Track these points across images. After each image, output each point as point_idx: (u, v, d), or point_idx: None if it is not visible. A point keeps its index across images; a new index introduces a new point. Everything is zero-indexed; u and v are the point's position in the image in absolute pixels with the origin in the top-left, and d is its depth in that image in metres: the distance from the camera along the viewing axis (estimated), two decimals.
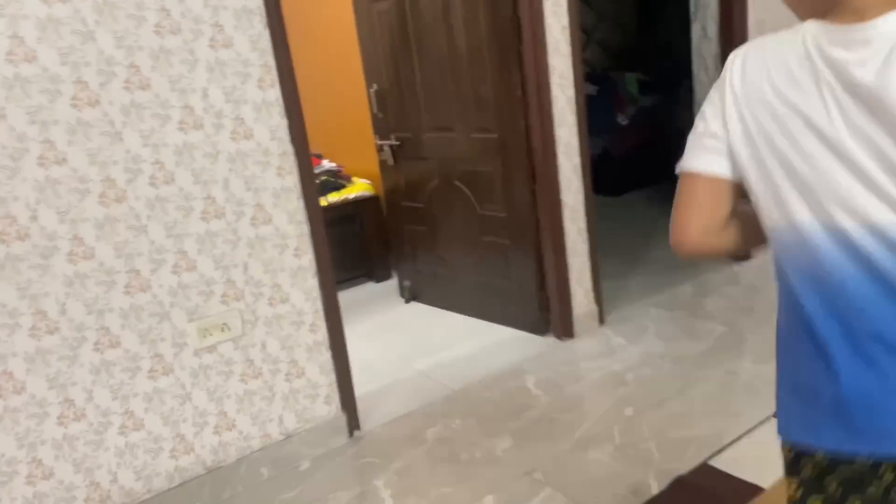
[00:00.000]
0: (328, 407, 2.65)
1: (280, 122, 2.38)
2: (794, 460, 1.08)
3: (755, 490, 2.08)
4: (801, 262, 0.97)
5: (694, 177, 1.06)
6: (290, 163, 2.42)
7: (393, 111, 3.62)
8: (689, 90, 5.85)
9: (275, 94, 2.35)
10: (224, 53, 2.24)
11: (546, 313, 3.27)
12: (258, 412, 2.49)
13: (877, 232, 0.89)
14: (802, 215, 0.95)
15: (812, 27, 0.92)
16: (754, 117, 0.96)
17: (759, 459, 2.21)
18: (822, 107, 0.90)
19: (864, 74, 0.86)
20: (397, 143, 3.64)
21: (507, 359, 3.14)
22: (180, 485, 2.35)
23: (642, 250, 4.30)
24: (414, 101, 3.49)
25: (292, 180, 2.44)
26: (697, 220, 1.08)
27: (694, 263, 3.96)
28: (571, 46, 3.02)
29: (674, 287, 3.67)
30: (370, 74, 3.68)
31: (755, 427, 2.39)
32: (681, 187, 1.09)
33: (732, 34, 3.65)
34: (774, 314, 1.92)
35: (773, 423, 2.33)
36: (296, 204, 2.46)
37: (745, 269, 3.82)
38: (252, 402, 2.47)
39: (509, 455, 2.46)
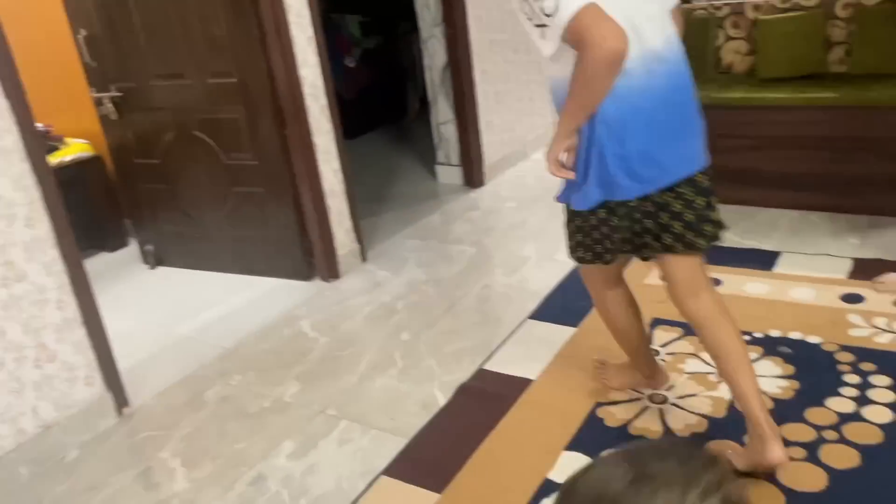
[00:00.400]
0: (90, 388, 2.41)
1: None
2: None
3: (526, 382, 2.35)
4: None
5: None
6: (7, 120, 2.10)
7: (110, 59, 3.26)
8: (408, 31, 6.07)
9: None
10: None
11: (310, 258, 3.28)
12: (6, 407, 2.18)
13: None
14: None
15: None
16: None
17: (524, 356, 2.50)
18: None
19: None
20: (119, 94, 3.30)
21: (277, 308, 3.10)
22: None
23: (386, 188, 4.46)
24: (135, 46, 3.18)
25: (11, 140, 2.12)
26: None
27: (434, 194, 4.22)
28: None
29: (423, 218, 3.88)
30: (76, 17, 3.25)
31: (515, 329, 2.68)
32: (589, 15, 1.43)
33: None
34: (512, 233, 2.38)
35: (529, 324, 2.66)
36: (19, 167, 2.14)
37: (480, 195, 4.17)
38: None
39: (299, 399, 2.47)
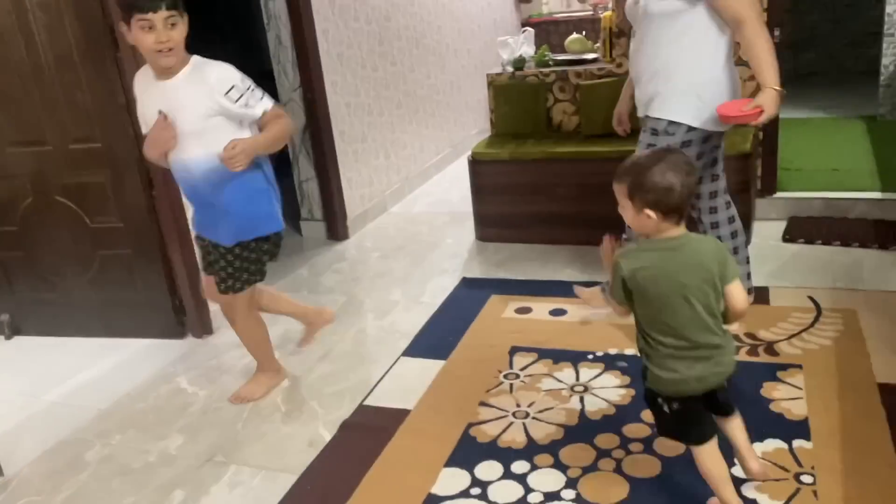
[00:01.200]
0: None
1: None
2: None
3: (404, 413, 2.57)
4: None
5: None
6: None
7: None
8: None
9: None
10: None
11: (181, 315, 3.32)
12: None
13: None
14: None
15: None
16: None
17: (401, 390, 2.72)
18: None
19: None
20: None
21: (151, 368, 3.12)
22: None
23: None
24: None
25: None
26: None
27: (300, 249, 4.38)
28: None
29: (292, 272, 4.03)
30: None
31: (391, 366, 2.90)
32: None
33: (304, 39, 4.11)
34: (379, 281, 2.95)
35: (403, 361, 2.93)
36: None
37: (346, 247, 4.38)
38: None
39: (184, 450, 2.53)
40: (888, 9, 5.08)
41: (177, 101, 2.30)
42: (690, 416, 1.83)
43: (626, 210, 1.77)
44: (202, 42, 2.55)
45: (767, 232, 3.81)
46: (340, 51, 4.41)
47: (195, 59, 2.34)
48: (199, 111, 2.30)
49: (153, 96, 2.35)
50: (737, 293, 1.76)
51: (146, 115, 2.40)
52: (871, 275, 3.23)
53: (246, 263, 2.56)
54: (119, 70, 2.94)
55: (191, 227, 2.67)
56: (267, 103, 2.40)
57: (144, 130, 2.44)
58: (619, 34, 3.98)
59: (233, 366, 3.09)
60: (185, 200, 2.81)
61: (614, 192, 1.80)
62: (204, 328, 3.34)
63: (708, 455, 1.83)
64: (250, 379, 2.88)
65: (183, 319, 3.34)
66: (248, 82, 2.36)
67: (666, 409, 1.83)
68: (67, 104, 3.05)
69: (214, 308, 3.37)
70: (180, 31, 2.26)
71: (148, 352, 3.27)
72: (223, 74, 2.31)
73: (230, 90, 2.28)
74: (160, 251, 3.21)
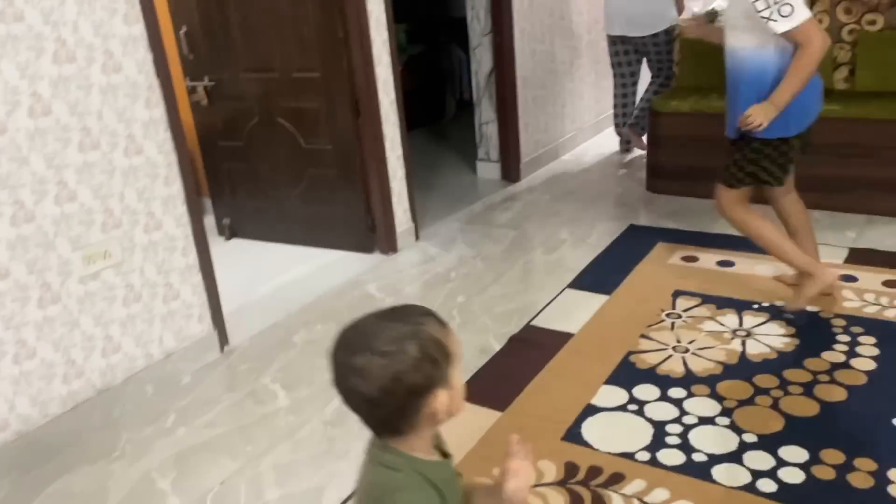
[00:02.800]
0: (201, 325, 2.86)
1: (146, 56, 2.51)
2: None
3: (568, 336, 2.80)
4: None
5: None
6: (157, 95, 2.57)
7: (206, 52, 3.73)
8: (447, 40, 6.57)
9: (139, 29, 2.47)
10: None
11: (372, 233, 3.73)
12: (140, 334, 2.64)
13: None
14: None
15: None
16: None
17: (566, 316, 2.94)
18: None
19: None
20: (212, 83, 3.78)
21: (344, 274, 3.56)
22: (73, 408, 2.45)
23: (431, 180, 4.92)
24: (229, 43, 3.65)
25: (159, 112, 2.58)
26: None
27: (475, 187, 4.68)
28: None
29: (467, 206, 4.34)
30: (178, 16, 3.74)
31: (557, 295, 3.12)
32: (813, 24, 2.38)
33: None
34: (549, 220, 3.09)
35: (568, 292, 3.11)
36: (163, 135, 2.61)
37: (518, 188, 4.62)
38: (134, 325, 2.61)
39: None
40: None
41: None
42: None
43: None
44: None
45: None
46: None
47: None
48: (739, 9, 2.48)
49: None
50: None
51: None
52: None
53: (743, 162, 2.66)
54: (340, 6, 3.31)
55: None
56: (796, 19, 2.34)
57: None
58: None
59: (415, 279, 3.45)
60: None
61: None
62: (391, 246, 3.73)
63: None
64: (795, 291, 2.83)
65: (373, 236, 3.75)
66: None
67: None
68: (295, 37, 3.48)
69: (400, 229, 3.75)
70: None
71: (342, 261, 3.72)
72: None
73: (755, 1, 2.36)
74: (361, 174, 3.61)
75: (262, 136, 3.79)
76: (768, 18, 2.36)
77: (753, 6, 2.37)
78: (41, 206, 2.27)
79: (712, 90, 4.18)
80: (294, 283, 3.52)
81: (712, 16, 4.37)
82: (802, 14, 2.35)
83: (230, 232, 4.14)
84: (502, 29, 4.40)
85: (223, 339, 2.95)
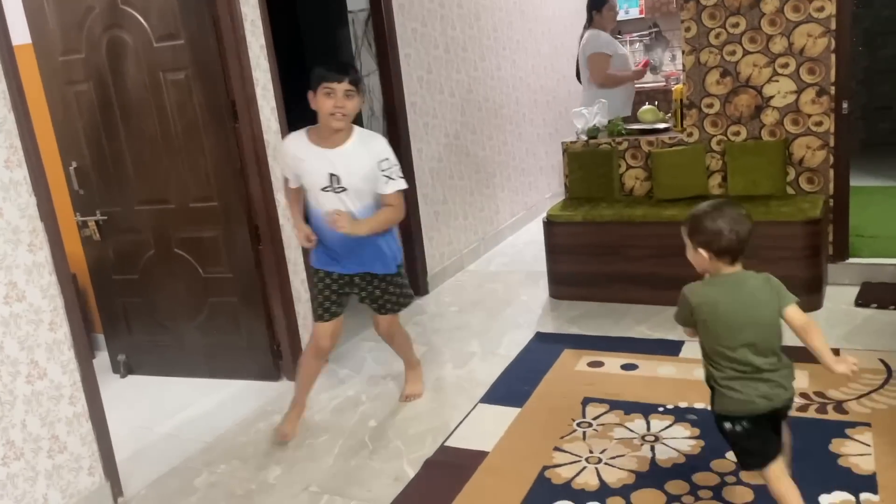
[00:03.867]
0: (91, 478, 2.66)
1: (29, 201, 2.43)
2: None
3: (483, 455, 2.76)
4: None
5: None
6: (41, 238, 2.47)
7: (97, 187, 3.66)
8: None
9: (22, 173, 2.40)
10: None
11: (278, 360, 3.63)
12: (22, 495, 2.41)
13: None
14: None
15: None
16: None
17: (479, 433, 2.92)
18: None
19: None
20: (103, 217, 3.68)
21: (250, 406, 3.42)
22: None
23: None
24: (121, 176, 3.60)
25: (44, 255, 2.48)
26: None
27: None
28: (279, 123, 3.51)
29: None
30: (67, 152, 3.67)
31: (470, 412, 3.10)
32: (401, 197, 2.91)
33: (395, 110, 4.50)
34: (457, 333, 3.25)
35: (480, 407, 3.11)
36: (48, 279, 2.50)
37: (426, 301, 4.65)
38: (15, 486, 2.39)
39: (282, 480, 2.78)
40: None
41: (348, 165, 2.76)
42: (760, 433, 2.01)
43: (687, 248, 2.11)
44: (299, 116, 2.98)
45: (840, 296, 3.87)
46: (426, 120, 4.78)
47: (358, 130, 2.85)
48: (364, 173, 2.77)
49: (321, 161, 2.76)
50: (793, 314, 2.02)
51: (303, 170, 2.83)
52: None
53: (403, 288, 3.10)
54: (237, 138, 3.35)
55: (330, 268, 2.97)
56: (398, 185, 2.84)
57: (291, 178, 2.94)
58: (690, 105, 4.20)
59: (325, 405, 3.35)
60: (325, 254, 2.97)
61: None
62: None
63: (777, 476, 2.02)
64: (407, 380, 3.38)
65: (279, 363, 3.64)
66: (395, 160, 2.85)
67: (737, 428, 2.02)
68: (191, 168, 3.47)
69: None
70: (355, 103, 2.74)
71: (247, 392, 3.58)
72: (384, 146, 2.84)
73: (383, 160, 2.79)
74: (263, 300, 3.55)
75: (159, 268, 3.69)
76: (388, 177, 2.80)
77: (379, 165, 2.78)
78: None
79: (601, 200, 4.43)
80: (195, 420, 3.35)
81: (594, 132, 4.70)
82: (404, 183, 2.88)
83: (126, 369, 3.93)
84: (400, 151, 4.53)
85: (116, 491, 2.74)
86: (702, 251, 2.06)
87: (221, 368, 3.72)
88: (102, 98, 3.51)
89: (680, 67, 5.44)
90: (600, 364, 3.42)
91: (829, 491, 2.29)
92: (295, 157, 2.84)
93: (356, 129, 2.84)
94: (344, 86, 2.69)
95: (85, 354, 2.62)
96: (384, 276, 3.03)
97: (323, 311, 3.02)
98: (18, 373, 2.40)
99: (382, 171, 2.79)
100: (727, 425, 2.05)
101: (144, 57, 3.38)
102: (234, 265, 3.55)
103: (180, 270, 3.65)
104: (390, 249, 3.01)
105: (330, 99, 2.68)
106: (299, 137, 2.83)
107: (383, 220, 2.87)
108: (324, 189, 2.79)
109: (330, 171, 2.76)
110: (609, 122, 4.63)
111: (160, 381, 3.83)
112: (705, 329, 2.05)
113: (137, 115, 3.49)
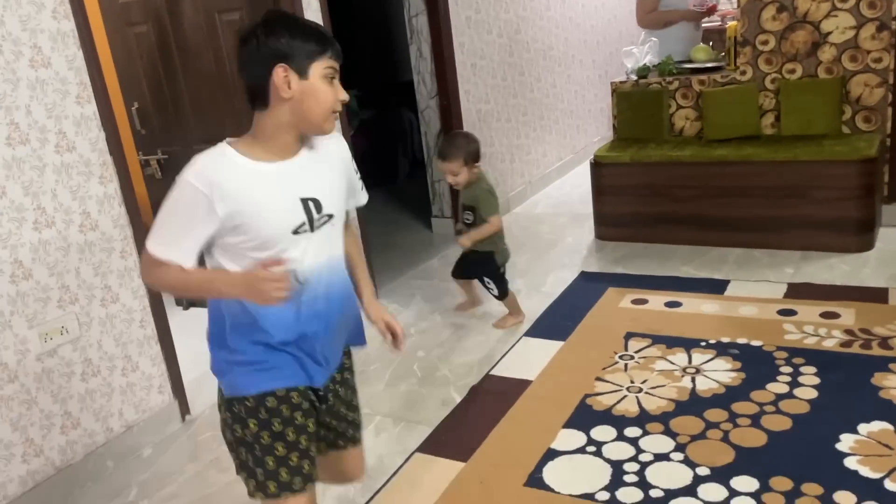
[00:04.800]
0: (161, 396, 2.86)
1: (99, 135, 2.57)
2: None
3: (526, 383, 2.87)
4: None
5: None
6: (111, 172, 2.62)
7: (158, 127, 3.81)
8: (397, 104, 6.77)
9: (91, 109, 2.54)
10: (43, 73, 2.39)
11: None
12: (99, 409, 2.63)
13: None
14: None
15: None
16: None
17: (523, 364, 3.02)
18: None
19: None
20: (165, 156, 3.84)
21: None
22: (33, 487, 2.41)
23: (388, 238, 5.01)
24: (181, 117, 3.74)
25: (113, 188, 2.63)
26: None
27: (431, 242, 4.78)
28: None
29: (423, 262, 4.43)
30: (129, 94, 3.82)
31: (514, 344, 3.21)
32: None
33: (443, 51, 4.51)
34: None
35: (524, 340, 3.18)
36: (118, 210, 2.66)
37: None
38: (93, 400, 2.60)
39: None
40: None
41: (318, 184, 1.58)
42: None
43: None
44: (347, 59, 2.99)
45: (892, 237, 3.81)
46: (474, 61, 4.79)
47: None
48: (342, 192, 1.69)
49: (282, 185, 1.53)
50: None
51: (255, 213, 1.49)
52: None
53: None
54: None
55: (302, 381, 1.62)
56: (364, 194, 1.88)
57: (252, 238, 1.51)
58: (744, 43, 4.10)
59: (374, 338, 3.48)
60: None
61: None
62: None
63: None
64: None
65: None
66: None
67: None
68: (246, 109, 3.57)
69: None
70: None
71: None
72: (343, 144, 1.74)
73: (351, 160, 1.78)
74: None
75: None
76: (360, 182, 1.83)
77: (353, 166, 1.79)
78: None
79: (649, 140, 4.41)
80: None
81: (644, 72, 4.63)
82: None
83: (188, 302, 4.14)
84: (448, 91, 4.58)
85: (184, 409, 2.94)
86: None
87: None
88: (161, 39, 3.63)
89: (735, 6, 5.28)
90: (644, 301, 3.47)
91: (868, 420, 2.33)
92: (237, 193, 1.48)
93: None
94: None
95: None
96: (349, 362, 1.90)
97: (293, 473, 1.59)
98: (93, 297, 2.58)
99: (357, 173, 1.82)
100: None
101: None
102: None
103: None
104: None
105: (333, 86, 1.54)
106: (226, 159, 1.57)
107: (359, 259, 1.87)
108: (297, 230, 1.54)
109: (302, 196, 1.55)
110: (660, 61, 4.56)
111: None
112: None
113: (194, 56, 3.60)
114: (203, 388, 3.17)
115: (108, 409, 2.65)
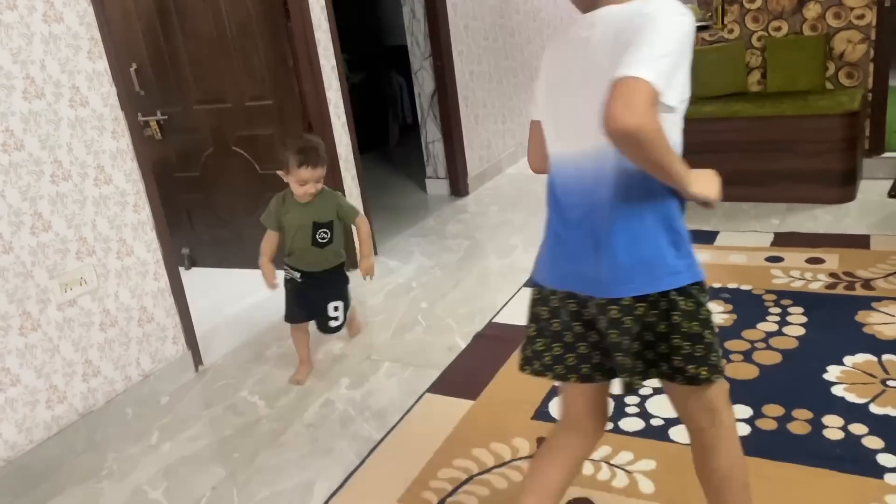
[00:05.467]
0: (175, 346, 2.95)
1: (110, 90, 2.62)
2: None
3: None
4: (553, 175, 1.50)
5: (531, 123, 1.57)
6: (123, 127, 2.68)
7: (157, 88, 3.84)
8: (387, 68, 6.79)
9: (103, 64, 2.59)
10: (56, 28, 2.43)
11: None
12: (118, 357, 2.71)
13: (588, 153, 1.37)
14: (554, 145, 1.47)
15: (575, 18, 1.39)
16: (546, 79, 1.47)
17: (524, 312, 3.13)
18: (570, 68, 1.38)
19: (592, 44, 1.33)
20: (164, 117, 3.88)
21: None
22: (58, 433, 2.50)
23: (384, 200, 5.08)
24: (179, 77, 3.77)
25: (125, 143, 2.69)
26: (534, 151, 1.58)
27: (426, 203, 4.87)
28: (329, 23, 3.63)
29: (420, 221, 4.52)
30: (127, 54, 3.83)
31: (515, 294, 3.32)
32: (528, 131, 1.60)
33: (436, 12, 4.56)
34: (499, 229, 3.19)
35: (525, 291, 3.32)
36: (130, 164, 2.72)
37: (467, 202, 4.83)
38: (112, 349, 2.69)
39: (346, 351, 3.05)
40: None
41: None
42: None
43: None
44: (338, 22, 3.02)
45: (873, 189, 3.96)
46: (467, 22, 4.84)
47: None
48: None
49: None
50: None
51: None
52: None
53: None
54: (289, 37, 3.48)
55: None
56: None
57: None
58: (731, 2, 4.19)
59: (378, 291, 3.60)
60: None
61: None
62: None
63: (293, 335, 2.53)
64: None
65: None
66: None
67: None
68: (245, 68, 3.63)
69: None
70: (323, 174, 2.77)
71: None
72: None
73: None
74: None
75: (218, 165, 3.90)
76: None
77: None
78: (18, 238, 2.35)
79: None
80: (261, 304, 3.62)
81: None
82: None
83: (190, 262, 4.21)
84: (441, 53, 4.63)
85: (197, 359, 3.03)
86: None
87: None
88: (159, 0, 3.65)
89: None
90: None
91: (853, 353, 2.48)
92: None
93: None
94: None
95: (165, 235, 2.87)
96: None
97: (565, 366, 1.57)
98: (110, 249, 2.66)
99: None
100: None
101: None
102: None
103: (238, 167, 3.86)
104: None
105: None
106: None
107: None
108: None
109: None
110: None
111: (222, 272, 4.11)
112: None
113: (192, 16, 3.63)
114: (214, 341, 3.27)
115: (126, 359, 2.74)
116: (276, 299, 3.64)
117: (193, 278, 4.12)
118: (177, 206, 4.13)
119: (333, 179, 3.71)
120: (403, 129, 6.77)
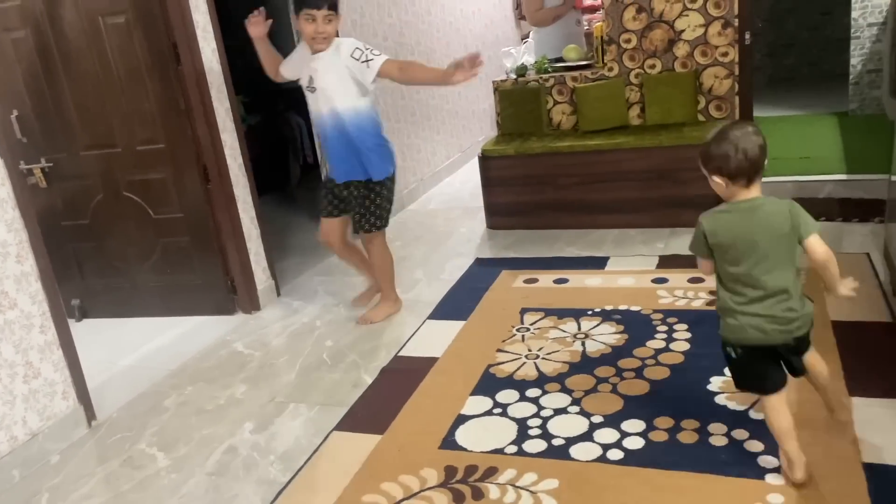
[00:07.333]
0: (66, 402, 2.81)
1: None
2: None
3: (433, 360, 3.04)
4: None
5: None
6: (2, 175, 2.57)
7: (41, 134, 3.70)
8: (285, 108, 6.78)
9: None
10: None
11: (233, 295, 3.81)
12: (2, 417, 2.56)
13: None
14: None
15: None
16: None
17: (429, 344, 3.19)
18: None
19: None
20: (49, 164, 3.73)
21: (209, 337, 3.59)
22: None
23: (286, 240, 5.05)
24: (65, 123, 3.65)
25: (6, 191, 2.58)
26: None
27: None
28: (221, 65, 3.62)
29: (324, 259, 4.51)
30: (7, 101, 3.68)
31: (419, 328, 3.37)
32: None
33: None
34: (402, 263, 4.10)
35: (428, 323, 3.38)
36: (12, 213, 2.61)
37: None
38: None
39: (249, 394, 3.00)
40: (853, 14, 5.59)
41: (320, 68, 3.12)
42: (753, 365, 2.01)
43: (708, 178, 2.01)
44: (233, 66, 3.08)
45: None
46: None
47: (336, 40, 3.13)
48: (336, 73, 3.09)
49: (304, 65, 3.18)
50: (814, 244, 1.89)
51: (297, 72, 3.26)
52: (834, 242, 3.70)
53: (386, 202, 3.36)
54: (179, 80, 3.45)
55: (328, 175, 3.42)
56: (381, 59, 3.06)
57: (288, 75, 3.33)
58: (609, 41, 4.48)
59: (282, 332, 3.56)
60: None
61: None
62: (253, 305, 3.82)
63: (772, 407, 2.00)
64: (374, 306, 3.59)
65: (233, 298, 3.82)
66: (366, 46, 3.10)
67: (733, 354, 2.03)
68: (136, 112, 3.56)
69: (261, 287, 3.86)
70: (334, 26, 3.08)
71: (205, 325, 3.75)
72: (351, 42, 3.13)
73: (354, 51, 3.06)
74: (216, 238, 3.70)
75: (109, 212, 3.78)
76: (367, 60, 3.04)
77: (351, 56, 3.04)
78: None
79: (531, 134, 4.71)
80: (158, 352, 3.51)
81: (522, 70, 4.94)
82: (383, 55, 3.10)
83: (81, 313, 4.03)
84: None
85: (90, 414, 2.90)
86: (716, 178, 1.96)
87: (177, 307, 3.87)
88: (41, 45, 3.54)
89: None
90: (535, 280, 3.73)
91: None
92: (298, 60, 3.26)
93: (335, 39, 3.11)
94: (323, 12, 2.97)
95: (51, 286, 2.75)
96: (367, 184, 3.27)
97: (321, 209, 3.47)
98: None
99: (358, 59, 3.04)
100: (726, 349, 2.05)
101: (82, 2, 3.42)
102: (185, 205, 3.68)
103: (131, 213, 3.75)
104: (379, 156, 3.25)
105: (311, 25, 3.00)
106: (303, 46, 3.19)
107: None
108: (306, 88, 3.18)
109: (309, 74, 3.13)
110: (536, 60, 4.88)
111: (116, 322, 3.96)
112: (716, 254, 2.00)
113: (77, 60, 3.54)
114: (108, 394, 3.14)
115: (11, 418, 2.59)
116: (175, 346, 3.55)
117: (85, 330, 3.95)
118: (66, 256, 3.96)
119: (232, 222, 3.68)
120: (305, 169, 6.75)
